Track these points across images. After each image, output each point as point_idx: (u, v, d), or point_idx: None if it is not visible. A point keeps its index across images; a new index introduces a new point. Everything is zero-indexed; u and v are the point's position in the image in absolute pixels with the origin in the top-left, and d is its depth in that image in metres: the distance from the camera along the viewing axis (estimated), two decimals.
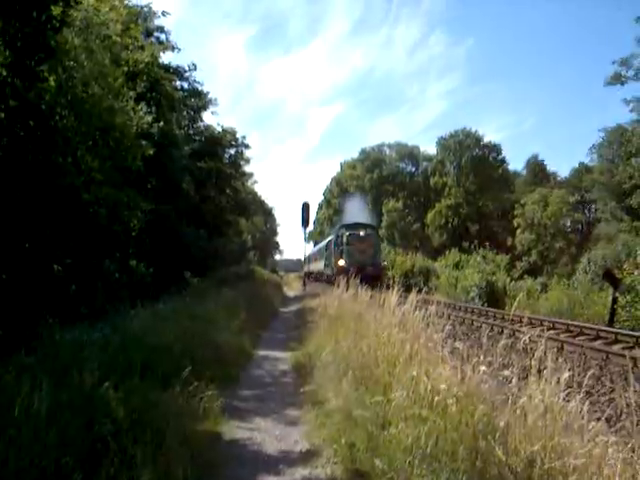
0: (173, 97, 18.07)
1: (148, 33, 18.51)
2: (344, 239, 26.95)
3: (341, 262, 26.11)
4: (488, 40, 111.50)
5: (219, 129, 27.99)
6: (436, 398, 4.29)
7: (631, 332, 12.22)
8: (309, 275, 39.69)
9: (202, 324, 10.04)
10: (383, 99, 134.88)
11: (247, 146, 30.64)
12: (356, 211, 46.19)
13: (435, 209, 62.66)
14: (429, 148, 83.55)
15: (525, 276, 32.94)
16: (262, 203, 56.15)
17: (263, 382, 8.69)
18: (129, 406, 4.90)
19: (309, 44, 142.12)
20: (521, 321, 12.09)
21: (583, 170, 57.07)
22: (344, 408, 5.43)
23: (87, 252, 10.26)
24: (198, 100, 24.56)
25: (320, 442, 5.38)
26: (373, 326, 7.34)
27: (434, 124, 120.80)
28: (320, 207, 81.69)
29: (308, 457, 5.11)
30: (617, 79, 31.06)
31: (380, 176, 70.12)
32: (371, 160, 72.65)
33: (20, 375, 4.73)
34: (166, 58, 21.40)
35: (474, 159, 63.30)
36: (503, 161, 65.15)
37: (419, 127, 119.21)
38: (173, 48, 20.14)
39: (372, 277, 18.54)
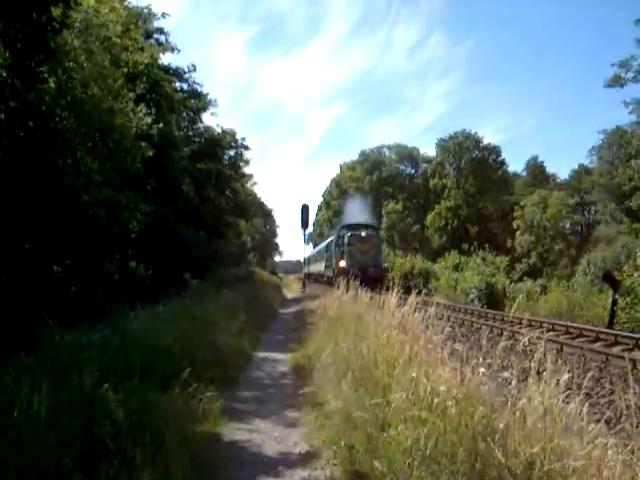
0: (173, 98, 18.08)
1: (148, 34, 18.54)
2: (345, 240, 26.52)
3: (342, 263, 25.74)
4: (487, 41, 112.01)
5: (219, 130, 28.07)
6: (435, 400, 4.29)
7: (631, 334, 12.21)
8: (309, 277, 39.63)
9: (202, 325, 10.04)
10: (382, 100, 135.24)
11: (247, 147, 30.72)
12: (356, 212, 45.64)
13: (435, 211, 62.68)
14: (429, 150, 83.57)
15: (525, 278, 32.92)
16: (262, 205, 56.12)
17: (262, 383, 8.69)
18: (128, 407, 4.90)
19: (308, 45, 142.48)
20: (520, 323, 12.11)
21: (583, 172, 57.22)
22: (343, 410, 5.43)
23: (87, 253, 10.26)
24: (198, 101, 24.58)
25: (319, 444, 5.39)
26: (373, 328, 7.33)
27: (433, 126, 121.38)
28: (319, 209, 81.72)
29: (307, 459, 5.11)
30: (616, 81, 31.13)
31: (379, 178, 70.15)
32: (370, 162, 72.69)
33: (20, 376, 4.74)
34: (166, 59, 21.54)
35: (474, 161, 63.34)
36: (503, 163, 65.24)
37: (418, 129, 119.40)
38: (173, 49, 20.18)
39: (374, 278, 18.44)
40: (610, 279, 16.79)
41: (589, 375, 6.21)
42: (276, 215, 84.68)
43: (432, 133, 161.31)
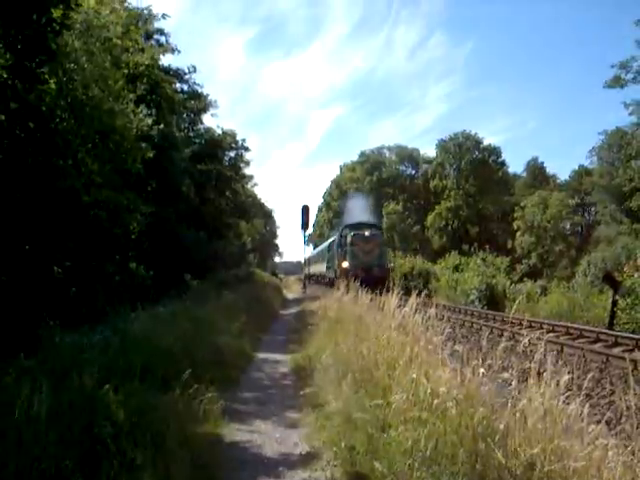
0: (173, 99, 18.09)
1: (148, 35, 18.54)
2: (348, 239, 25.46)
3: (345, 264, 24.78)
4: (488, 42, 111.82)
5: (219, 132, 28.04)
6: (436, 401, 4.29)
7: (631, 335, 12.21)
8: (309, 278, 39.50)
9: (202, 326, 10.05)
10: (383, 101, 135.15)
11: (247, 149, 30.69)
12: (358, 211, 43.47)
13: (435, 212, 62.73)
14: (429, 151, 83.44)
15: (525, 279, 32.98)
16: (262, 206, 56.09)
17: (263, 384, 8.70)
18: (129, 408, 4.90)
19: (309, 46, 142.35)
20: (521, 324, 12.08)
21: (583, 173, 57.23)
22: (344, 411, 5.43)
23: (87, 255, 10.26)
24: (198, 102, 24.59)
25: (320, 445, 5.39)
26: (373, 329, 7.34)
27: (434, 127, 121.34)
28: (320, 210, 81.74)
29: (308, 460, 5.11)
30: (617, 82, 31.05)
31: (380, 179, 70.15)
32: (371, 163, 72.72)
33: (20, 377, 4.74)
34: (166, 60, 21.54)
35: (474, 162, 63.39)
36: (503, 164, 65.30)
37: (419, 130, 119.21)
38: (173, 50, 20.18)
39: (378, 279, 18.18)
40: (610, 280, 16.81)
41: (589, 376, 6.21)
42: (276, 216, 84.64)
43: (432, 134, 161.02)
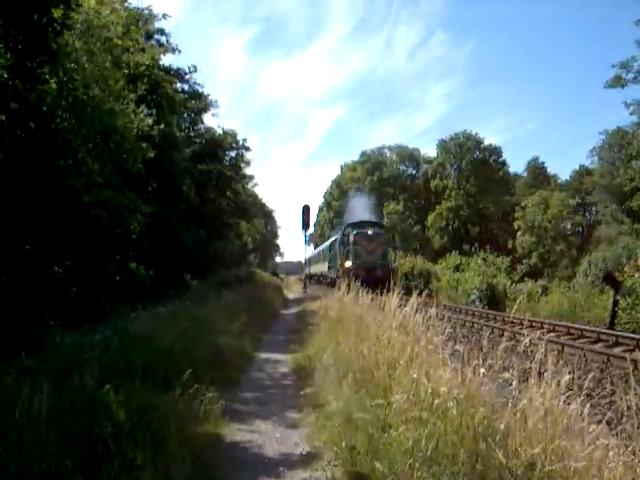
0: (174, 99, 18.11)
1: (149, 35, 18.57)
2: (351, 238, 24.94)
3: (348, 263, 24.39)
4: (488, 42, 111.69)
5: (219, 131, 28.09)
6: (436, 401, 4.28)
7: (632, 335, 12.20)
8: (310, 278, 39.42)
9: (202, 326, 10.04)
10: (383, 101, 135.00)
11: (248, 148, 30.71)
12: (360, 209, 43.21)
13: (435, 211, 62.70)
14: (429, 151, 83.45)
15: (526, 279, 32.95)
16: (262, 206, 56.17)
17: (264, 384, 8.69)
18: (130, 408, 4.89)
19: (309, 46, 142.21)
20: (522, 324, 12.07)
21: (584, 173, 57.21)
22: (344, 411, 5.43)
23: (87, 254, 10.27)
24: (198, 102, 24.62)
25: (320, 445, 5.38)
26: (374, 329, 7.33)
27: (434, 127, 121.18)
28: (320, 210, 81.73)
29: (308, 460, 5.11)
30: (617, 82, 31.05)
31: (380, 178, 70.16)
32: (371, 162, 72.72)
33: (21, 377, 4.74)
34: (166, 60, 21.59)
35: (474, 162, 63.39)
36: (504, 163, 65.29)
37: (419, 130, 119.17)
38: (173, 50, 20.24)
39: (381, 279, 18.06)
40: (611, 280, 16.80)
41: (590, 376, 6.20)
42: (277, 216, 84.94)
43: (433, 134, 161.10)
